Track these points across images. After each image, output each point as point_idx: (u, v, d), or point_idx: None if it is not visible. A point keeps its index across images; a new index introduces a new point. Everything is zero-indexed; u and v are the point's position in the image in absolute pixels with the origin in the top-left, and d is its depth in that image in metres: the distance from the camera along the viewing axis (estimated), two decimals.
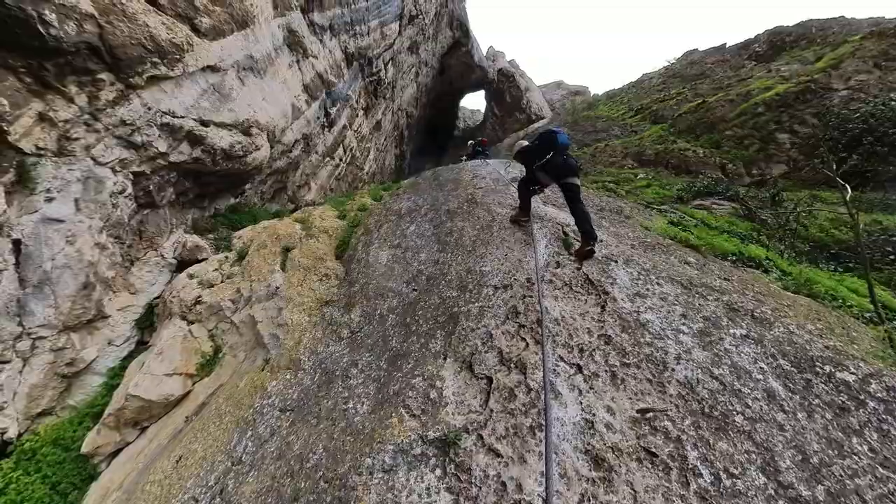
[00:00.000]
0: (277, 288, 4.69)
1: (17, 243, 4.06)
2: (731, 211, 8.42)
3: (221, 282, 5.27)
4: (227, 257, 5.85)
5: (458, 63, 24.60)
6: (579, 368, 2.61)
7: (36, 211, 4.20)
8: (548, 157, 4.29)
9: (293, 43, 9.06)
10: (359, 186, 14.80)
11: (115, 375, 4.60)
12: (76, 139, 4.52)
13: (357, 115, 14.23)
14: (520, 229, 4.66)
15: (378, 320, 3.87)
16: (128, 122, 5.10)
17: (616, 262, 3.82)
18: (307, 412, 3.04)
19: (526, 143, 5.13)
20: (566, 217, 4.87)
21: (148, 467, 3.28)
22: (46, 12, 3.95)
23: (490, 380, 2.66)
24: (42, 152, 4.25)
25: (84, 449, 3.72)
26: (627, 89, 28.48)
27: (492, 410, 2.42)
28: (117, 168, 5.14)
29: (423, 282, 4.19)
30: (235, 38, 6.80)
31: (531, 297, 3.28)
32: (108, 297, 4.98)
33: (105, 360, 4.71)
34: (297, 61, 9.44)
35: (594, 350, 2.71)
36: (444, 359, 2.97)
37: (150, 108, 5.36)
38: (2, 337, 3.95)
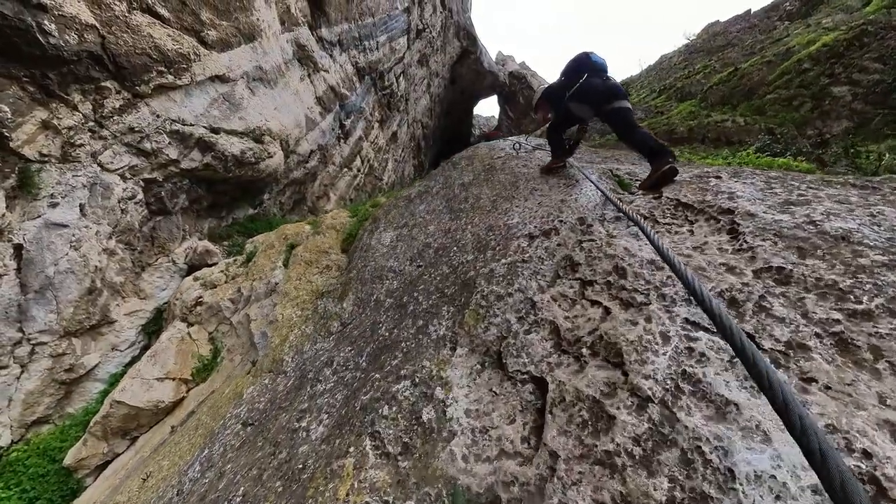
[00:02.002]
0: (276, 284, 4.30)
1: (18, 248, 3.94)
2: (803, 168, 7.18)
3: (225, 282, 4.98)
4: (235, 260, 5.59)
5: (469, 71, 24.47)
6: (751, 339, 1.23)
7: (39, 216, 4.08)
8: (581, 80, 3.12)
9: (303, 57, 9.05)
10: (379, 195, 14.63)
11: (117, 382, 4.33)
12: (81, 146, 4.43)
13: (373, 127, 14.18)
14: (554, 175, 3.50)
15: (373, 307, 2.94)
16: (136, 129, 5.02)
17: (717, 176, 2.45)
18: (261, 429, 2.27)
19: (547, 83, 4.03)
20: (612, 165, 3.70)
21: (121, 485, 2.87)
22: (46, 22, 3.90)
23: (542, 384, 1.45)
24: (46, 159, 4.16)
25: (66, 461, 3.39)
26: (646, 73, 26.81)
27: (553, 454, 1.19)
28: (127, 175, 5.04)
29: (430, 255, 3.13)
30: (243, 49, 6.75)
31: (593, 240, 2.03)
32: (116, 303, 4.80)
33: (107, 366, 4.48)
34: (309, 75, 9.41)
35: (764, 297, 1.36)
36: (453, 348, 1.83)
37: (158, 116, 5.29)
38: (0, 342, 3.79)
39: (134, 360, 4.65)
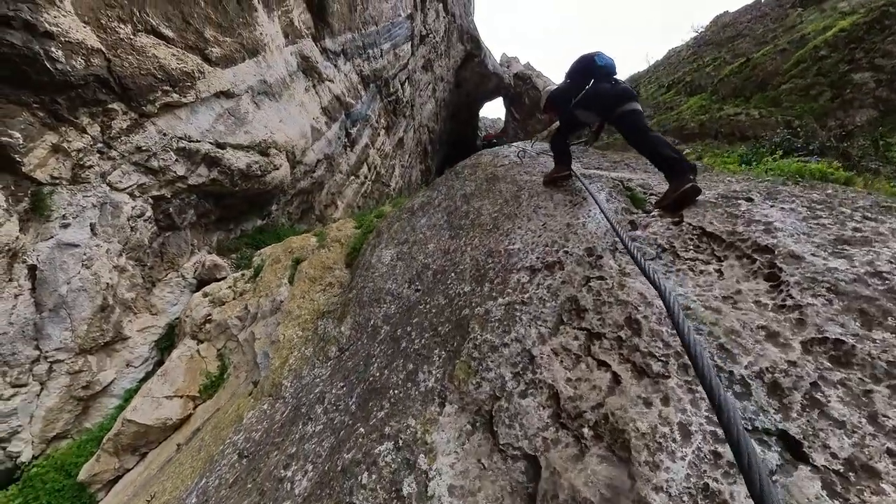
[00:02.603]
0: (281, 302, 4.28)
1: (32, 269, 4.01)
2: (825, 168, 6.60)
3: (233, 299, 4.99)
4: (243, 274, 5.61)
5: (473, 74, 24.33)
6: (795, 451, 0.99)
7: (51, 237, 4.16)
8: (588, 86, 2.90)
9: (307, 68, 9.09)
10: (386, 202, 14.64)
11: (131, 397, 4.38)
12: (90, 167, 4.50)
13: (379, 134, 14.19)
14: (559, 190, 3.13)
15: (369, 334, 2.80)
16: (143, 148, 5.08)
17: (748, 198, 2.01)
18: (253, 467, 2.18)
19: (554, 86, 3.66)
20: (622, 175, 3.30)
21: (129, 502, 2.87)
22: (53, 49, 3.97)
23: (536, 463, 1.27)
24: (57, 181, 4.24)
25: (80, 476, 3.44)
26: (654, 69, 25.91)
27: None
28: (136, 193, 5.11)
29: (429, 278, 2.95)
30: (247, 64, 6.80)
31: (603, 279, 1.75)
32: (129, 319, 4.86)
33: (122, 381, 4.53)
34: (314, 85, 9.45)
35: (817, 385, 1.08)
36: (441, 404, 1.65)
37: (165, 135, 5.35)
38: (18, 361, 3.86)
39: (148, 375, 4.70)
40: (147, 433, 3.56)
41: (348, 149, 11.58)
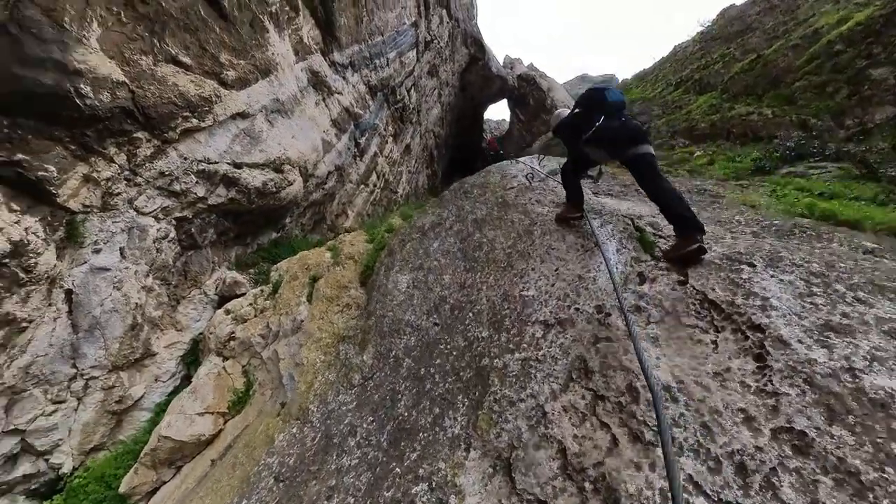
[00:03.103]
0: (302, 321, 4.43)
1: (69, 293, 4.23)
2: (839, 173, 5.97)
3: (254, 316, 5.17)
4: (262, 290, 5.79)
5: (478, 77, 24.32)
6: None
7: (85, 262, 4.37)
8: (597, 122, 2.88)
9: (317, 83, 9.25)
10: (394, 209, 14.80)
11: (161, 411, 4.59)
12: (118, 194, 4.71)
13: (386, 142, 14.34)
14: (571, 230, 3.21)
15: (392, 365, 2.92)
16: (166, 173, 5.28)
17: (751, 263, 2.13)
18: (293, 494, 2.31)
19: (566, 111, 3.65)
20: (633, 207, 3.36)
21: None
22: (82, 85, 4.16)
23: None
24: (89, 209, 4.45)
25: (121, 489, 3.65)
26: (660, 66, 25.29)
27: None
28: (160, 216, 5.32)
29: (447, 313, 3.04)
30: (261, 85, 6.97)
31: (609, 340, 1.94)
32: (156, 336, 5.08)
33: (152, 395, 4.75)
34: (324, 99, 9.62)
35: (775, 470, 1.25)
36: (466, 450, 1.85)
37: (186, 158, 5.55)
38: (58, 379, 4.08)
39: (176, 389, 4.91)
40: (182, 448, 3.75)
41: (357, 158, 11.75)
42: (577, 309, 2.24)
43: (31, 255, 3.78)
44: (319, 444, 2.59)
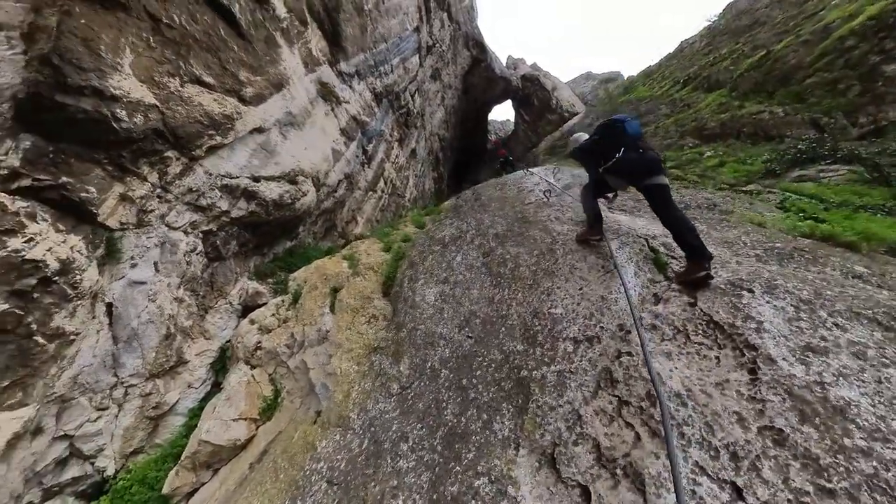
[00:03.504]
0: (328, 332, 4.66)
1: (109, 306, 4.49)
2: (851, 177, 6.00)
3: (278, 326, 5.41)
4: (283, 300, 6.03)
5: (480, 79, 24.54)
6: (739, 494, 1.55)
7: (123, 277, 4.63)
8: (617, 155, 3.13)
9: (326, 94, 9.49)
10: (402, 213, 15.04)
11: (194, 416, 4.85)
12: (151, 211, 4.97)
13: (393, 148, 14.58)
14: (591, 251, 3.46)
15: (429, 375, 3.16)
16: (194, 189, 5.54)
17: (750, 290, 2.43)
18: (352, 494, 2.55)
19: (584, 136, 3.86)
20: (647, 226, 3.63)
21: None
22: (118, 110, 4.41)
23: (586, 492, 1.80)
24: (125, 226, 4.71)
25: (165, 490, 3.89)
26: (666, 63, 25.01)
27: None
28: (188, 230, 5.58)
29: (478, 327, 3.30)
30: (275, 99, 7.22)
31: (630, 354, 2.27)
32: (188, 345, 5.34)
33: (185, 401, 5.01)
34: (332, 109, 9.86)
35: (759, 457, 1.61)
36: (516, 448, 2.17)
37: (210, 174, 5.80)
38: (101, 387, 4.35)
39: (207, 395, 5.17)
40: (220, 452, 4.00)
41: (365, 165, 12.00)
42: (601, 327, 2.59)
43: (76, 272, 4.03)
44: (369, 450, 2.83)
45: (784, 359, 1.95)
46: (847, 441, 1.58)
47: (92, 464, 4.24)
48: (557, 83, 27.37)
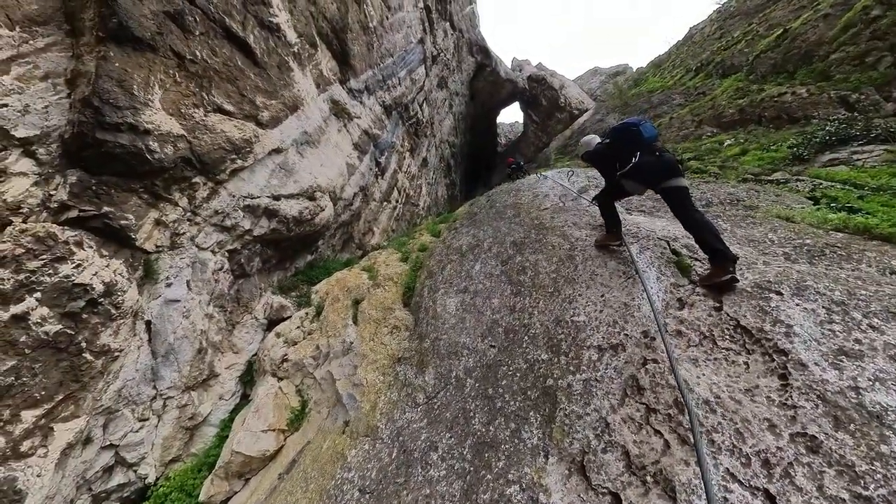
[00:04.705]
0: (352, 343, 4.83)
1: (148, 324, 4.83)
2: (888, 157, 5.66)
3: (303, 338, 5.64)
4: (306, 314, 6.28)
5: (487, 84, 24.75)
6: (772, 501, 1.53)
7: (160, 296, 4.98)
8: (634, 159, 3.06)
9: (338, 111, 9.87)
10: (417, 222, 15.29)
11: (225, 427, 5.10)
12: (183, 233, 5.33)
13: (404, 158, 14.90)
14: (611, 256, 3.39)
15: (455, 385, 3.19)
16: (219, 211, 5.90)
17: (779, 292, 2.34)
18: (386, 503, 2.62)
19: (595, 139, 3.79)
20: (667, 227, 3.57)
21: None
22: (151, 142, 4.79)
23: (617, 498, 1.81)
24: (160, 249, 5.07)
25: (201, 497, 4.12)
26: (676, 51, 24.33)
27: None
28: (216, 249, 5.93)
29: (501, 336, 3.31)
30: (290, 120, 7.59)
31: (656, 361, 2.26)
32: (218, 358, 5.64)
33: (217, 413, 5.28)
34: (345, 125, 10.23)
35: (792, 464, 1.58)
36: (546, 457, 2.19)
37: (234, 196, 6.16)
38: (142, 399, 4.66)
39: (237, 406, 5.43)
40: (251, 462, 4.20)
41: (379, 177, 12.32)
42: (626, 335, 2.58)
43: (119, 293, 4.38)
44: (399, 459, 2.89)
45: (816, 363, 1.89)
46: (884, 448, 1.52)
47: (135, 471, 4.53)
48: (565, 81, 27.22)
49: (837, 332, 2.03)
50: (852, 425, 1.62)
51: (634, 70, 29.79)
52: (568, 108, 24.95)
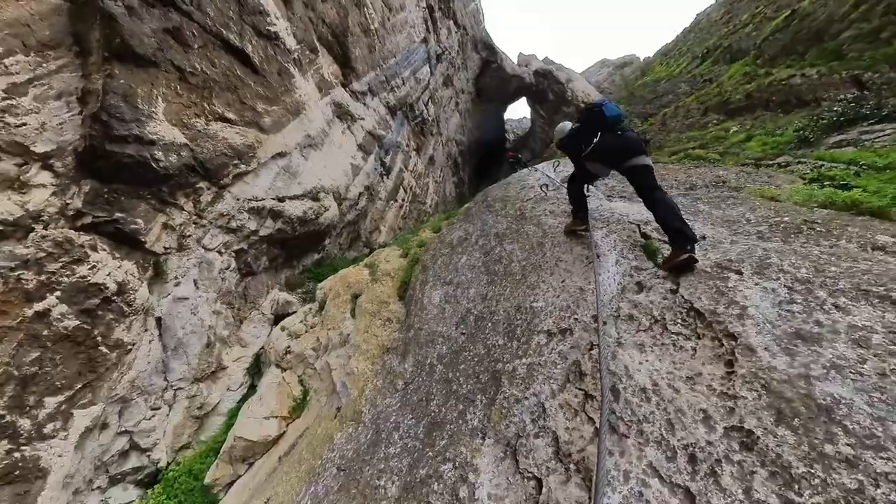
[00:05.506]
0: (348, 335, 4.96)
1: (158, 320, 5.13)
2: None
3: (306, 332, 5.82)
4: (310, 308, 6.47)
5: (493, 80, 24.46)
6: (692, 500, 1.40)
7: (169, 294, 5.27)
8: (595, 139, 2.97)
9: (341, 113, 10.05)
10: (424, 220, 15.37)
11: (233, 415, 5.35)
12: (189, 235, 5.61)
13: (410, 157, 14.99)
14: (578, 241, 3.37)
15: (427, 371, 3.25)
16: (224, 213, 6.16)
17: (738, 271, 2.22)
18: (352, 478, 2.74)
19: (568, 125, 3.67)
20: (642, 210, 3.41)
21: (248, 503, 3.64)
22: (156, 152, 5.07)
23: (539, 483, 1.77)
24: (168, 251, 5.36)
25: (206, 480, 4.34)
26: (683, 38, 23.54)
27: None
28: (222, 250, 6.20)
29: (472, 323, 3.34)
30: (293, 125, 7.80)
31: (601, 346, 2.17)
32: (226, 352, 5.92)
33: (226, 402, 5.54)
34: (348, 127, 10.41)
35: (720, 461, 1.44)
36: (483, 438, 2.18)
37: (238, 199, 6.42)
38: (154, 389, 4.96)
39: (244, 396, 5.68)
40: (253, 447, 4.40)
41: (385, 177, 12.46)
42: (575, 319, 2.52)
43: (130, 291, 4.67)
44: (370, 440, 3.00)
45: (766, 348, 1.71)
46: (829, 448, 1.32)
47: (148, 456, 4.83)
48: (572, 74, 26.52)
49: (796, 314, 1.84)
50: (796, 420, 1.44)
51: (642, 60, 28.74)
52: (575, 101, 24.31)
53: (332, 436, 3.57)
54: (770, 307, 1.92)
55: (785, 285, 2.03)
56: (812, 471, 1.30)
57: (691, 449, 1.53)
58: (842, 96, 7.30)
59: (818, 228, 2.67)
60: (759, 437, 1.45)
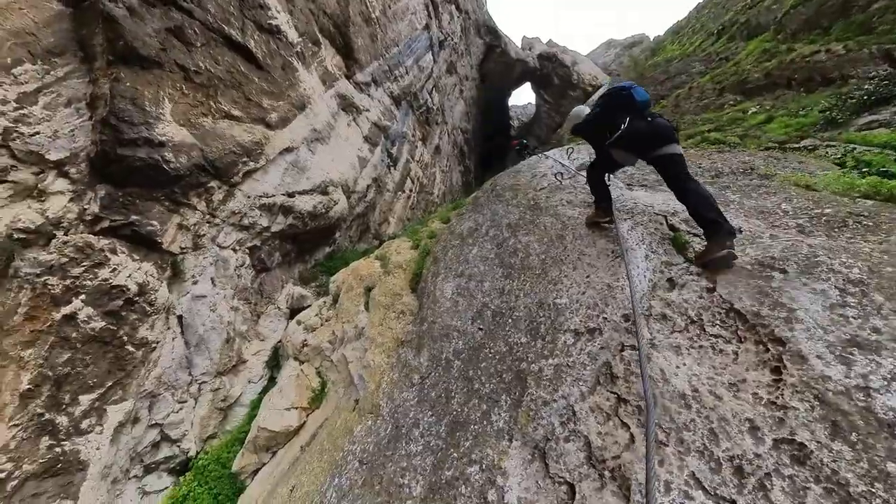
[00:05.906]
0: (363, 328, 4.98)
1: (180, 318, 5.24)
2: None
3: (321, 325, 5.88)
4: (325, 302, 6.53)
5: (497, 65, 23.72)
6: None
7: (188, 292, 5.37)
8: (623, 125, 2.72)
9: (346, 106, 9.91)
10: (432, 210, 15.27)
11: (255, 406, 5.50)
12: (204, 234, 5.66)
13: (416, 147, 14.79)
14: (601, 234, 3.14)
15: (444, 366, 3.15)
16: (236, 211, 6.19)
17: (783, 269, 2.02)
18: (374, 473, 2.71)
19: (585, 109, 3.41)
20: (667, 201, 3.19)
21: (274, 490, 3.76)
22: (166, 153, 5.08)
23: (571, 488, 1.69)
24: (185, 250, 5.43)
25: (234, 468, 4.50)
26: (696, 14, 22.15)
27: None
28: (236, 247, 6.27)
29: (489, 318, 3.20)
30: (299, 120, 7.72)
31: (634, 348, 2.03)
32: (245, 346, 6.04)
33: (247, 394, 5.69)
34: (354, 119, 10.28)
35: (770, 475, 1.34)
36: (510, 440, 2.10)
37: (249, 196, 6.43)
38: (180, 384, 5.12)
39: (265, 388, 5.82)
40: (276, 437, 4.52)
41: (392, 168, 12.35)
42: (604, 318, 2.37)
43: (151, 291, 4.76)
44: (391, 434, 2.97)
45: (819, 356, 1.56)
46: (892, 466, 1.21)
47: (178, 446, 5.02)
48: (577, 57, 25.45)
49: (851, 319, 1.68)
50: (854, 435, 1.32)
51: (652, 39, 27.28)
52: (581, 85, 23.38)
53: (352, 428, 3.61)
54: (821, 311, 1.76)
55: (836, 286, 1.86)
56: (872, 490, 1.20)
57: (737, 461, 1.43)
58: (872, 73, 6.72)
59: (865, 222, 2.43)
60: (812, 451, 1.34)
